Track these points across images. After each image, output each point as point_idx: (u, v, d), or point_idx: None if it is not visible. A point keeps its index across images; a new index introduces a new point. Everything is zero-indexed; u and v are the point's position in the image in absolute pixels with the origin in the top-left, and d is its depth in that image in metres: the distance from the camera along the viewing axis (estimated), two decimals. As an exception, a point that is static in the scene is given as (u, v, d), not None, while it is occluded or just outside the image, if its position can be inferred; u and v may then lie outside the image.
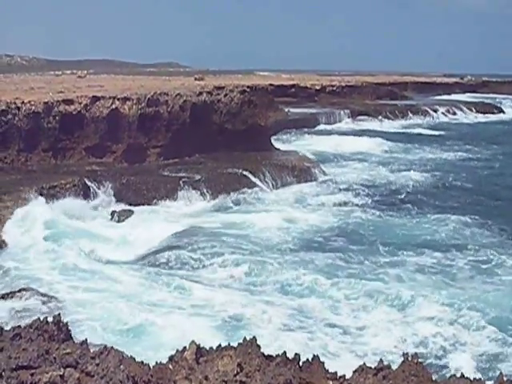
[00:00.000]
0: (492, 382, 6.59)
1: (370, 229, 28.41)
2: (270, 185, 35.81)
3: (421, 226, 29.29)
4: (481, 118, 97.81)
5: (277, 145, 45.76)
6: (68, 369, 6.42)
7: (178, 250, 24.63)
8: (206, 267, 22.91)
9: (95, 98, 35.21)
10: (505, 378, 6.53)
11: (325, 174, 40.09)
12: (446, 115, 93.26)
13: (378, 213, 31.36)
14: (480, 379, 6.42)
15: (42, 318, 7.50)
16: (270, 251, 24.82)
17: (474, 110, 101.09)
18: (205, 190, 31.93)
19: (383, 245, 25.90)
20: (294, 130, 61.89)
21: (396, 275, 22.49)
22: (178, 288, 20.66)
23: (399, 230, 28.46)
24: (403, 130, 73.36)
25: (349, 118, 75.62)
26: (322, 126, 69.32)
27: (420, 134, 69.83)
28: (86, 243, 24.23)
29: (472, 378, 6.44)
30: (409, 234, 27.92)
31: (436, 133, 72.89)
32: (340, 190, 36.83)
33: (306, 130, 64.57)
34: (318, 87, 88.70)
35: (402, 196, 36.34)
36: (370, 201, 34.35)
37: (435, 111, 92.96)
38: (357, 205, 33.21)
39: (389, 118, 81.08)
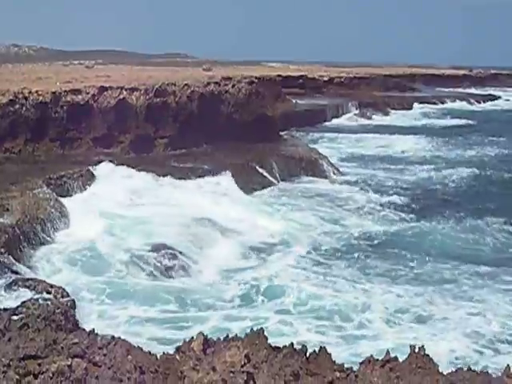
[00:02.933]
0: (498, 374, 6.57)
1: (408, 236, 27.55)
2: (278, 177, 35.75)
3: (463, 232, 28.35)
4: (489, 106, 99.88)
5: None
6: (75, 359, 6.44)
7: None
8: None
9: (103, 88, 35.18)
10: (512, 371, 6.52)
11: (337, 169, 39.78)
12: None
13: (414, 217, 30.36)
14: (486, 372, 6.42)
15: (49, 308, 7.53)
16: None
17: (482, 102, 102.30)
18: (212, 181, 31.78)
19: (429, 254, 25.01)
20: (304, 126, 60.37)
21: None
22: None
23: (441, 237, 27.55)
24: (416, 123, 73.68)
25: (356, 109, 75.53)
26: (334, 121, 69.16)
27: (436, 126, 70.02)
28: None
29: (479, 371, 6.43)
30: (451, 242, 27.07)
31: (454, 122, 74.42)
32: (368, 190, 35.77)
33: (320, 126, 64.37)
34: (326, 78, 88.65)
35: (438, 197, 35.49)
36: (401, 203, 33.26)
37: (442, 102, 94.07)
38: (388, 207, 32.23)
39: (396, 109, 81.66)
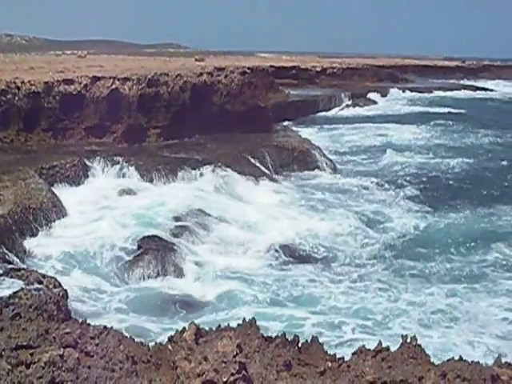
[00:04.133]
0: (489, 364, 6.60)
1: (432, 229, 27.34)
2: (271, 168, 35.68)
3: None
4: (480, 95, 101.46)
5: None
6: (67, 349, 6.44)
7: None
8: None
9: (95, 78, 35.09)
10: (503, 361, 6.56)
11: (330, 160, 39.67)
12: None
13: (432, 209, 30.20)
14: (478, 362, 6.44)
15: (41, 298, 7.52)
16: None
17: (472, 92, 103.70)
18: (204, 171, 31.63)
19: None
20: (298, 117, 60.03)
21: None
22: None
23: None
24: (407, 111, 74.45)
25: (349, 100, 75.69)
26: (328, 112, 69.17)
27: (428, 114, 70.58)
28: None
29: (470, 361, 6.46)
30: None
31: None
32: (380, 182, 35.48)
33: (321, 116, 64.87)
34: (318, 69, 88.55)
35: (448, 187, 35.76)
36: (414, 194, 33.21)
37: (431, 92, 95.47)
38: (404, 199, 32.10)
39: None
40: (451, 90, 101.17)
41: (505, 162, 42.52)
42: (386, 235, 26.25)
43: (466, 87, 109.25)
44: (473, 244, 25.12)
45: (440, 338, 17.19)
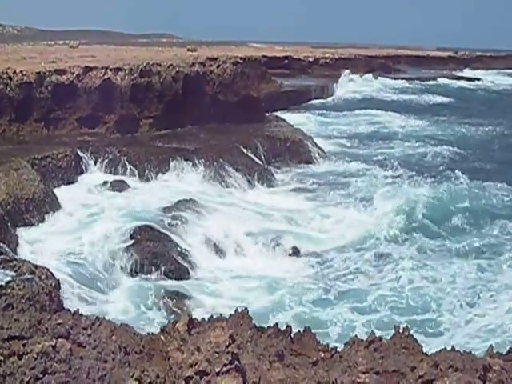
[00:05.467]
0: (482, 354, 6.63)
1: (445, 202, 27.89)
2: (263, 158, 35.64)
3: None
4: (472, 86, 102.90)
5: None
6: (60, 339, 6.43)
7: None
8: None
9: (87, 68, 34.96)
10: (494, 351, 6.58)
11: (322, 150, 39.69)
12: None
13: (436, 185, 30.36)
14: (470, 352, 6.45)
15: (34, 289, 7.50)
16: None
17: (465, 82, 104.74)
18: (197, 161, 31.64)
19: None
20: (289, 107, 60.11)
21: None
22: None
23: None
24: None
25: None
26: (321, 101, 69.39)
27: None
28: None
29: (462, 351, 6.47)
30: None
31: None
32: (382, 166, 35.93)
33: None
34: (311, 59, 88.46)
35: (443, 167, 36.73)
36: (413, 174, 33.75)
37: (423, 80, 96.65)
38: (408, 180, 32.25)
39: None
40: (434, 79, 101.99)
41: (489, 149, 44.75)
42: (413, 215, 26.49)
43: (458, 78, 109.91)
44: (479, 218, 26.31)
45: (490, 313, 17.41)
